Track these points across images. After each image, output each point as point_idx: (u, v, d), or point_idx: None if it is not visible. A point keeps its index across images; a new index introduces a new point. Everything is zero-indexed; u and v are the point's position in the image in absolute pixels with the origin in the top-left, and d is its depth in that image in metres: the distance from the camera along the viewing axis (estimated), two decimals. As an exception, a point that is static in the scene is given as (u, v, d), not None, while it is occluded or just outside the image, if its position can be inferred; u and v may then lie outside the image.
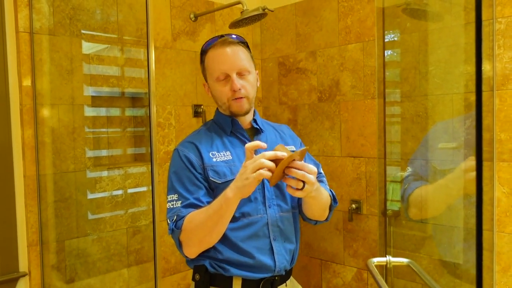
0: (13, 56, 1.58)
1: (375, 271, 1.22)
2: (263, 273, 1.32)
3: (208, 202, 1.27)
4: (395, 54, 1.65)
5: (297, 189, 1.17)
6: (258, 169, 1.12)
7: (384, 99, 1.54)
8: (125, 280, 1.87)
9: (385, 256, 1.32)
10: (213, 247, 1.32)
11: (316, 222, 1.46)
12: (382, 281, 1.18)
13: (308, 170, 1.15)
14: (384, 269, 1.34)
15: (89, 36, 1.77)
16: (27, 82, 1.60)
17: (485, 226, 1.40)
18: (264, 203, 1.34)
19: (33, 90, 1.61)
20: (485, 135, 1.49)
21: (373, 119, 1.89)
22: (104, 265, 1.81)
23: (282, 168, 1.14)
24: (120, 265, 1.85)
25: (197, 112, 2.06)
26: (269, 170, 1.13)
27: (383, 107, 1.55)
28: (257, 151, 1.23)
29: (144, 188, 1.92)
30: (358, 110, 1.95)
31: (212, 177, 1.31)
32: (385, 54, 1.56)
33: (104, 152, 1.89)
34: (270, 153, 1.13)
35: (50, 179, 1.67)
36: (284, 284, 1.39)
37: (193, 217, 1.24)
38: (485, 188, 1.48)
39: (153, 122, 1.17)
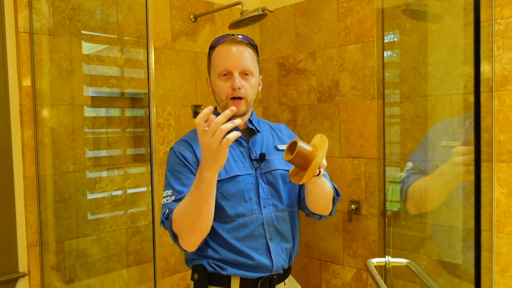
0: (13, 56, 1.59)
1: (374, 272, 1.22)
2: (261, 272, 1.33)
3: None
4: (394, 55, 1.65)
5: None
6: (219, 134, 1.05)
7: (384, 99, 1.54)
8: (125, 280, 1.87)
9: (384, 257, 1.32)
10: (211, 247, 1.32)
11: (320, 217, 1.44)
12: (381, 282, 1.18)
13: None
14: (383, 270, 1.34)
15: (89, 37, 1.77)
16: (27, 82, 1.60)
17: (484, 226, 1.40)
18: (259, 203, 1.34)
19: (33, 91, 1.61)
20: (484, 136, 1.49)
21: (372, 120, 1.89)
22: (103, 266, 1.81)
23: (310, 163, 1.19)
24: (119, 265, 1.85)
25: (196, 112, 2.06)
26: (300, 168, 1.20)
27: (383, 108, 1.54)
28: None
29: (143, 189, 1.92)
30: (357, 110, 1.95)
31: None
32: (385, 55, 1.56)
33: (103, 153, 1.89)
34: (220, 117, 1.05)
35: (50, 179, 1.67)
36: (283, 283, 1.40)
37: (180, 207, 1.23)
38: (484, 189, 1.48)
39: (153, 123, 1.17)
